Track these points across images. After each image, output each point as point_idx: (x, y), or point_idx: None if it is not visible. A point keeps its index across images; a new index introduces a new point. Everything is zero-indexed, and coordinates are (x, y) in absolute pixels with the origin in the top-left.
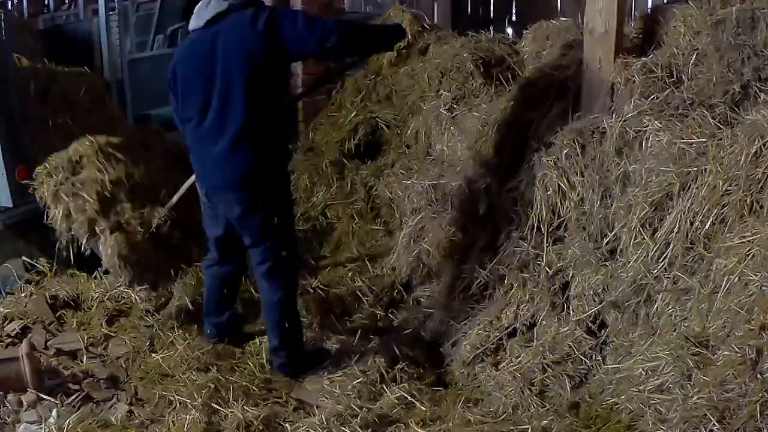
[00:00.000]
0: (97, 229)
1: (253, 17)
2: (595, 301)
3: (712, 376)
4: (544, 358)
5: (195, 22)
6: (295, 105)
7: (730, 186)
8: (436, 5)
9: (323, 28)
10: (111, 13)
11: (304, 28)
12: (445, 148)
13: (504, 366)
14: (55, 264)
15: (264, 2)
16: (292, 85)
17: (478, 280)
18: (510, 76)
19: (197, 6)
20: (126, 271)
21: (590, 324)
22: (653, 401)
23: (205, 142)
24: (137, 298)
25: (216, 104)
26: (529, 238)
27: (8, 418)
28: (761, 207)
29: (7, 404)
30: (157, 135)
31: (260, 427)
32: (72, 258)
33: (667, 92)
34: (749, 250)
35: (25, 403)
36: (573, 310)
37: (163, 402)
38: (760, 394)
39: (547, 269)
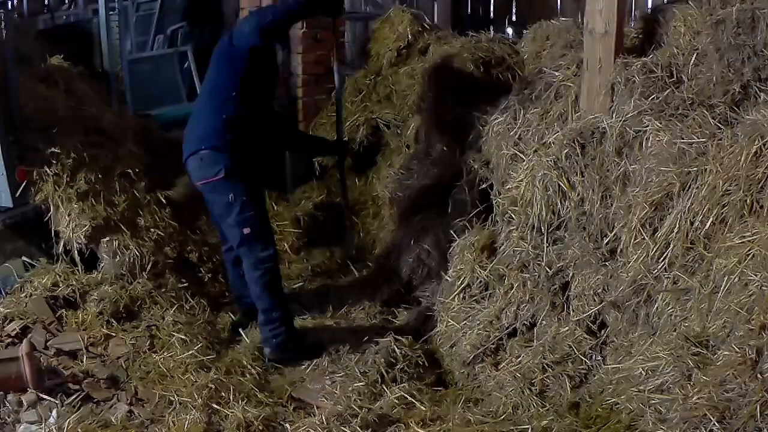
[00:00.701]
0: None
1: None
2: (595, 301)
3: (712, 376)
4: (544, 358)
5: None
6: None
7: (730, 186)
8: (436, 5)
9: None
10: (111, 13)
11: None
12: (445, 149)
13: (504, 366)
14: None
15: None
16: (291, 85)
17: (478, 280)
18: (510, 76)
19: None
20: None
21: (590, 324)
22: (653, 401)
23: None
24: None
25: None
26: (529, 238)
27: (8, 418)
28: (761, 207)
29: (7, 404)
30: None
31: (260, 427)
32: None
33: (667, 92)
34: (749, 250)
35: (25, 403)
36: (573, 310)
37: (163, 402)
38: (760, 394)
39: (547, 269)
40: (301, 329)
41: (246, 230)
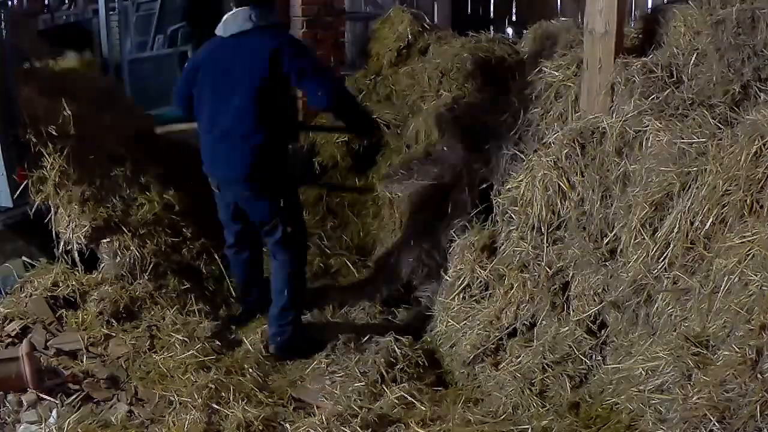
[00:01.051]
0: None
1: (269, 42)
2: (595, 301)
3: (712, 376)
4: (544, 358)
5: (221, 30)
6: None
7: (730, 186)
8: (436, 5)
9: (323, 77)
10: (111, 13)
11: (318, 77)
12: (445, 148)
13: (504, 366)
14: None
15: (283, 28)
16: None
17: (478, 280)
18: (510, 76)
19: (226, 15)
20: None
21: (590, 324)
22: (653, 401)
23: (215, 139)
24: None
25: (227, 108)
26: (529, 238)
27: (8, 418)
28: (761, 207)
29: (7, 404)
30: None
31: (260, 427)
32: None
33: (667, 92)
34: (749, 250)
35: (25, 403)
36: (573, 310)
37: (163, 402)
38: (760, 394)
39: (547, 269)
40: (307, 327)
41: (289, 228)
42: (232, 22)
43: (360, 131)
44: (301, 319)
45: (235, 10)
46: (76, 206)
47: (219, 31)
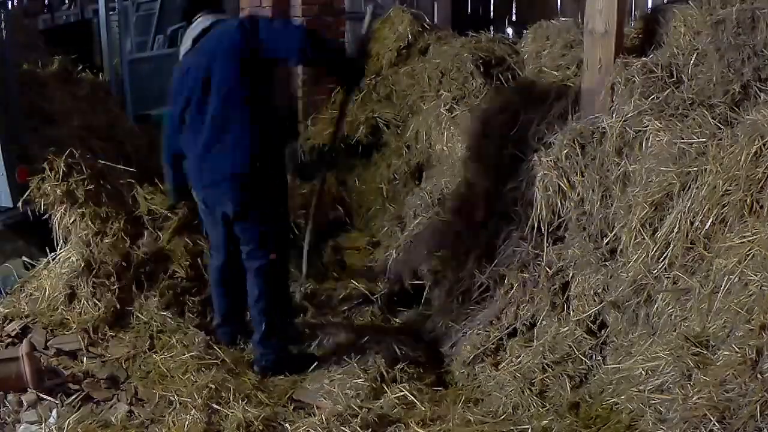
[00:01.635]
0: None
1: (236, 25)
2: (595, 301)
3: (712, 376)
4: (544, 358)
5: (184, 46)
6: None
7: (730, 186)
8: (436, 5)
9: (297, 32)
10: (111, 13)
11: (280, 30)
12: (445, 148)
13: (504, 366)
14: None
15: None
16: (293, 87)
17: (478, 282)
18: (510, 76)
19: (186, 33)
20: None
21: (590, 324)
22: (653, 401)
23: (192, 146)
24: None
25: (200, 108)
26: (529, 238)
27: (8, 418)
28: (761, 207)
29: (7, 404)
30: None
31: (260, 427)
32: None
33: (667, 92)
34: (749, 250)
35: (25, 403)
36: (573, 310)
37: (163, 402)
38: (760, 394)
39: (547, 269)
40: (292, 348)
41: (272, 255)
42: (191, 30)
43: (348, 74)
44: (285, 342)
45: (192, 26)
46: (76, 206)
47: (182, 50)
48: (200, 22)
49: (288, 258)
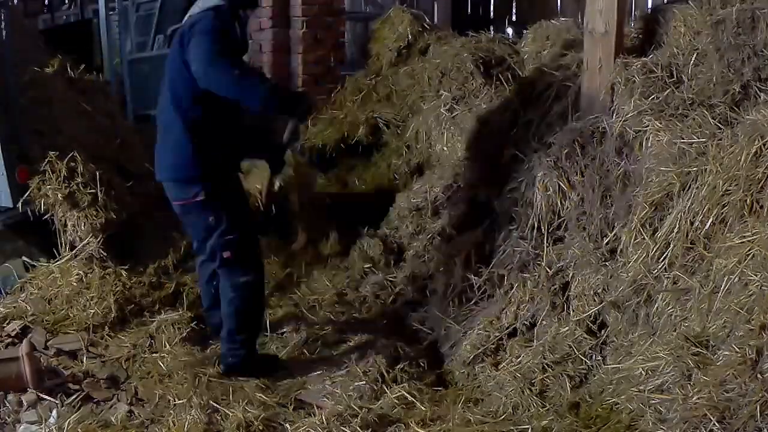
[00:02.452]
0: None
1: (188, 27)
2: (595, 301)
3: (712, 376)
4: (544, 358)
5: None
6: None
7: (730, 186)
8: (436, 5)
9: (222, 72)
10: (111, 13)
11: (204, 59)
12: (445, 148)
13: (504, 366)
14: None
15: (219, 10)
16: (291, 85)
17: (478, 282)
18: (510, 76)
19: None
20: None
21: (590, 324)
22: (653, 401)
23: (158, 141)
24: None
25: (162, 106)
26: (529, 238)
27: (8, 418)
28: (761, 207)
29: (7, 404)
30: None
31: (260, 427)
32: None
33: (667, 92)
34: (749, 250)
35: (25, 403)
36: (573, 310)
37: (163, 402)
38: (760, 394)
39: (547, 269)
40: (259, 350)
41: (226, 254)
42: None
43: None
44: (253, 343)
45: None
46: (76, 206)
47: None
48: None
49: (255, 257)
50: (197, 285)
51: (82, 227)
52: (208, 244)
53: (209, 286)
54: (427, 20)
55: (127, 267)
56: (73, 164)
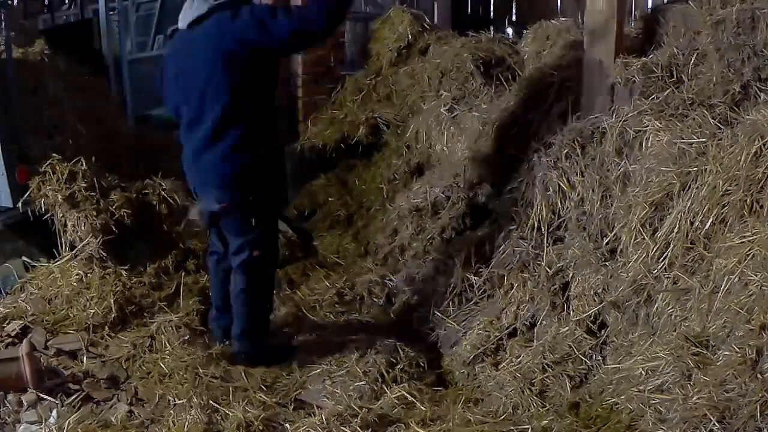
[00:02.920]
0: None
1: (232, 15)
2: (595, 301)
3: (712, 376)
4: (544, 358)
5: (180, 23)
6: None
7: (730, 186)
8: (436, 5)
9: (298, 14)
10: (111, 13)
11: (282, 17)
12: (445, 148)
13: (504, 366)
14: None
15: (247, 2)
16: (291, 85)
17: (478, 282)
18: (510, 76)
19: (184, 5)
20: None
21: (590, 324)
22: (653, 401)
23: (187, 139)
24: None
25: (195, 103)
26: (529, 238)
27: (8, 418)
28: (761, 207)
29: (7, 404)
30: None
31: (260, 427)
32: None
33: (667, 92)
34: (749, 250)
35: (25, 403)
36: (573, 310)
37: (163, 402)
38: (760, 394)
39: (547, 269)
40: (272, 341)
41: (255, 252)
42: (188, 9)
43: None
44: (265, 338)
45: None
46: (76, 206)
47: (179, 24)
48: (199, 2)
49: (276, 255)
50: (209, 283)
51: (82, 227)
52: (241, 240)
53: (224, 288)
54: (427, 20)
55: (127, 267)
56: (73, 166)
